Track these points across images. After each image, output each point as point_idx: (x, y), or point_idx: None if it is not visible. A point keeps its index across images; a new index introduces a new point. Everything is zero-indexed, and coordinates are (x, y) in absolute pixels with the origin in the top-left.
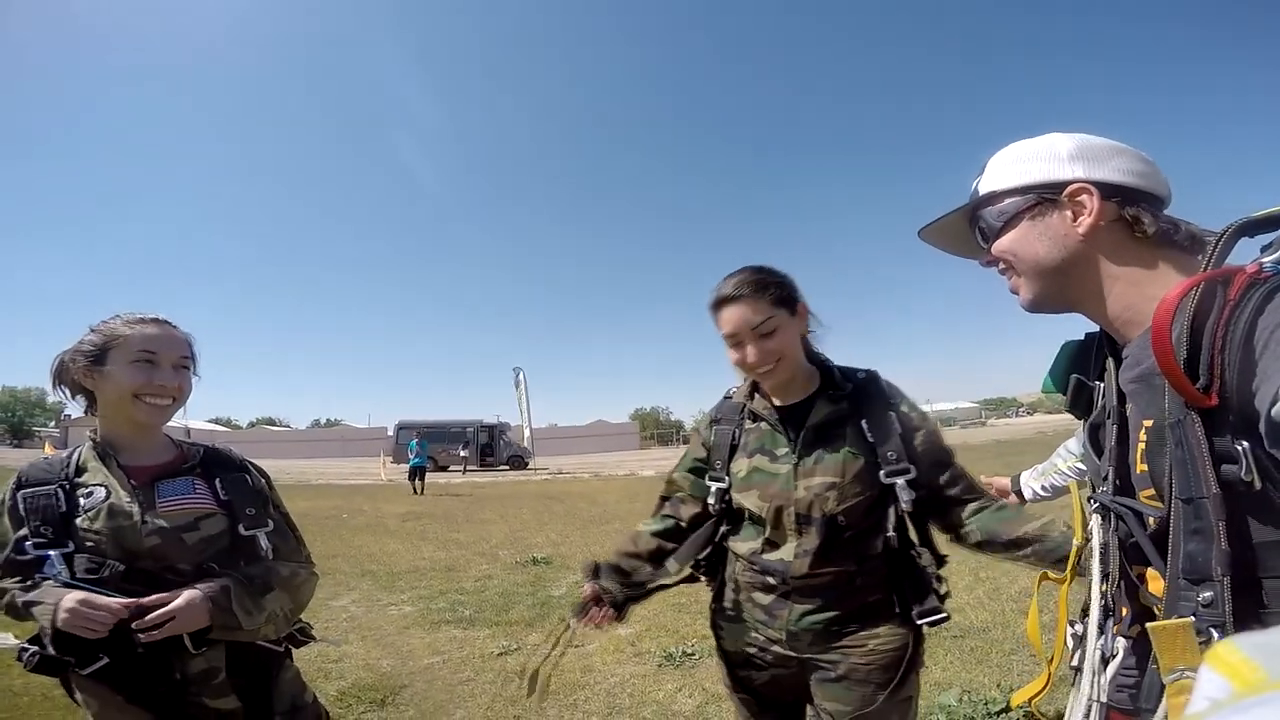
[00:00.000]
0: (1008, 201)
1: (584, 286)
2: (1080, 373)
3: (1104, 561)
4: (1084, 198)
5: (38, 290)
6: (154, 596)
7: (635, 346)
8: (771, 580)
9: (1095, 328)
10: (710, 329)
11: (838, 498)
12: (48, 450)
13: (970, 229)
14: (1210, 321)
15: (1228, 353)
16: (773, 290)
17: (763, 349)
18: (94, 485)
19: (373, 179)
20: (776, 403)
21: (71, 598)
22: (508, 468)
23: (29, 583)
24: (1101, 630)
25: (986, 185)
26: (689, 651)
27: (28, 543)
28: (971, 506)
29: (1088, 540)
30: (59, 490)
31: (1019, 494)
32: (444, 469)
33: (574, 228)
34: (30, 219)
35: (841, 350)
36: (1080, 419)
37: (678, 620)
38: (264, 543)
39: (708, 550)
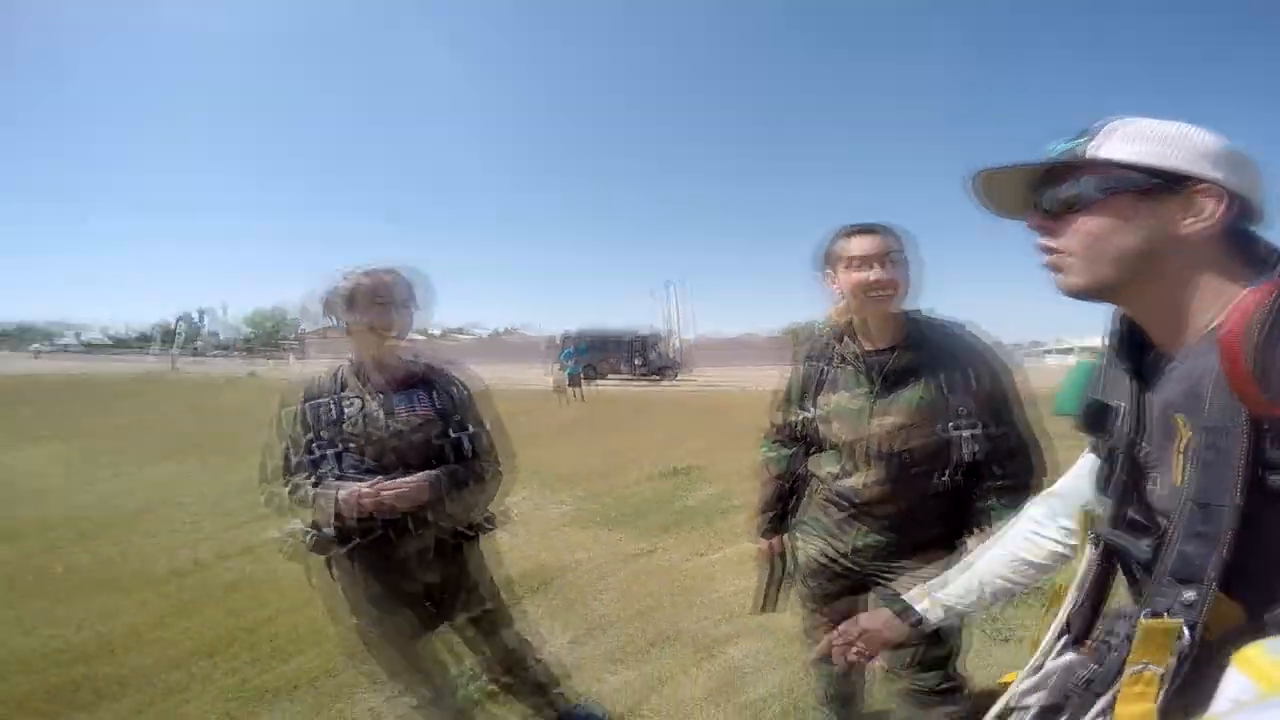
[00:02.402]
0: (1120, 175)
1: (743, 198)
2: (1093, 395)
3: (1079, 589)
4: (1208, 201)
5: (289, 220)
6: (393, 480)
7: (788, 259)
8: (844, 502)
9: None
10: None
11: (905, 438)
12: (291, 362)
13: (1033, 189)
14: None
15: None
16: (902, 237)
17: (891, 273)
18: (353, 397)
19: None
20: (867, 347)
21: (349, 488)
22: (659, 378)
23: (312, 478)
24: (1047, 652)
25: (1101, 151)
26: None
27: (314, 444)
28: (1001, 485)
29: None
30: (331, 402)
31: None
32: (603, 377)
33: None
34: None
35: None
36: (1092, 437)
37: None
38: (466, 445)
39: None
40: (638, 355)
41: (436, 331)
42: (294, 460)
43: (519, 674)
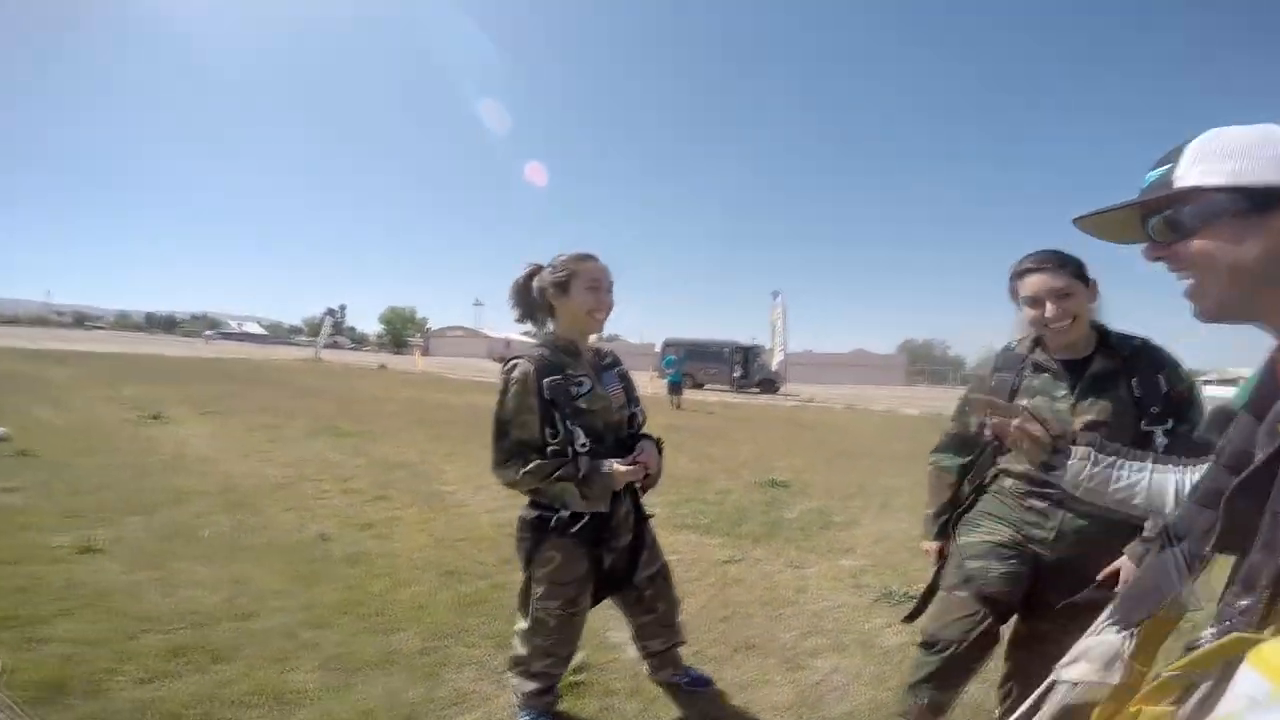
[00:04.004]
0: (1212, 200)
1: (855, 211)
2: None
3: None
4: None
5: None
6: (636, 455)
7: (903, 276)
8: (1050, 491)
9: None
10: (996, 265)
11: (1105, 435)
12: (418, 358)
13: (1142, 221)
14: None
15: None
16: (1070, 266)
17: (1061, 308)
18: (580, 376)
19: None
20: (1064, 357)
21: (614, 463)
22: (758, 390)
23: (557, 452)
24: (1095, 630)
25: (1186, 179)
26: (912, 594)
27: (563, 420)
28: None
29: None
30: (563, 380)
31: None
32: (700, 386)
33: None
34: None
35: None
36: (1210, 447)
37: (910, 562)
38: (640, 418)
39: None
40: (738, 366)
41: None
42: (543, 434)
43: (674, 633)
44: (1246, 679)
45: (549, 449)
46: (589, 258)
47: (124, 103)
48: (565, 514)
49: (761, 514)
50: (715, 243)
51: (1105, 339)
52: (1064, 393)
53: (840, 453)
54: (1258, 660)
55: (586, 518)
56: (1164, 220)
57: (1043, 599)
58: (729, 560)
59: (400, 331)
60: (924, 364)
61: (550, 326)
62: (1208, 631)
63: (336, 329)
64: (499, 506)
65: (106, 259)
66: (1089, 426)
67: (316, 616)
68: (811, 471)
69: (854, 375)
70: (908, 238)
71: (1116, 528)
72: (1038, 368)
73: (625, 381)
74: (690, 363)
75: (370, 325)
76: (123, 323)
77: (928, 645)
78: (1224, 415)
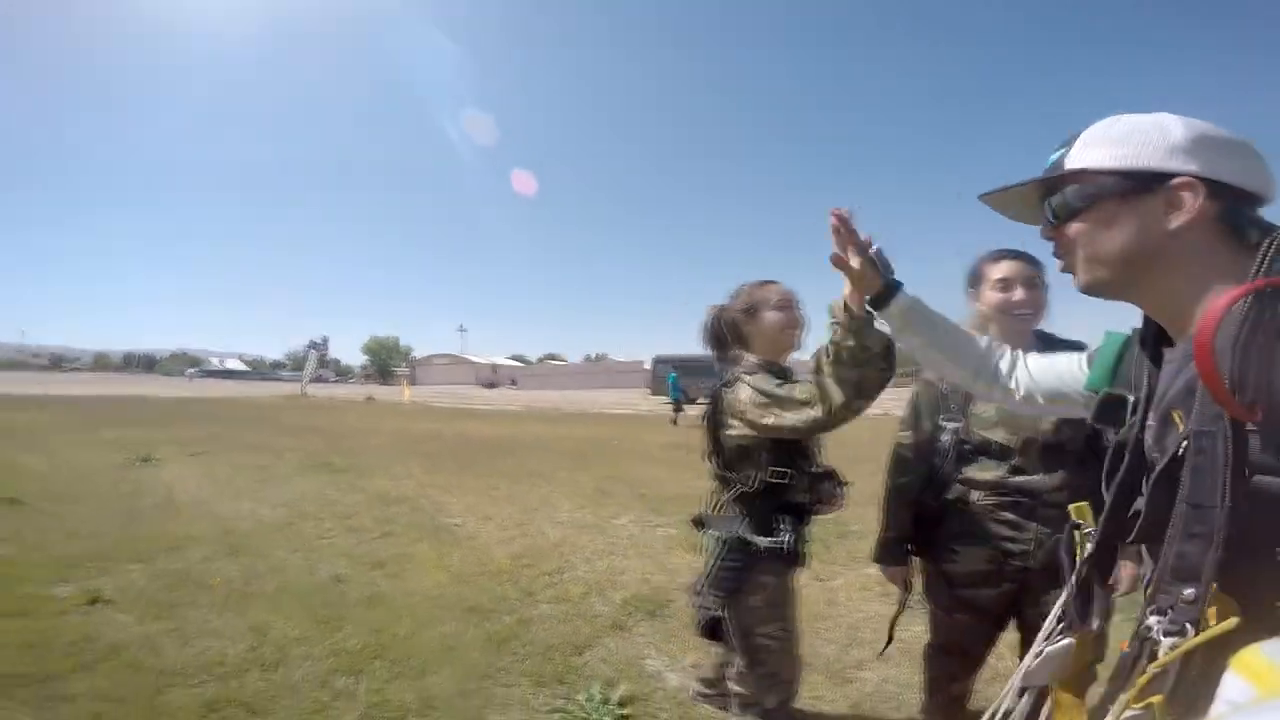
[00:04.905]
0: (1097, 181)
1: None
2: (1123, 371)
3: (1077, 577)
4: (1186, 194)
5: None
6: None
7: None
8: (1020, 499)
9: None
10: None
11: (1073, 430)
12: (405, 389)
13: (1040, 200)
14: (1259, 335)
15: (1276, 367)
16: (1040, 265)
17: (1031, 295)
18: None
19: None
20: None
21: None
22: None
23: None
24: (1046, 637)
25: (1076, 161)
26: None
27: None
28: None
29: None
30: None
31: None
32: (693, 401)
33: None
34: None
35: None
36: (1104, 429)
37: None
38: None
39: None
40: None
41: (532, 358)
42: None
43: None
44: (1231, 684)
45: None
46: (771, 282)
47: (101, 131)
48: (787, 539)
49: None
50: (695, 255)
51: (1050, 344)
52: None
53: (843, 458)
54: (1240, 666)
55: (793, 540)
56: (1054, 201)
57: (1036, 606)
58: None
59: (385, 361)
60: (907, 364)
61: (751, 356)
62: (1153, 620)
63: (322, 362)
64: (509, 537)
65: (82, 297)
66: (1058, 426)
67: (346, 663)
68: None
69: None
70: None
71: None
72: None
73: None
74: (683, 378)
75: (354, 356)
76: (102, 363)
77: (936, 652)
78: (1114, 402)
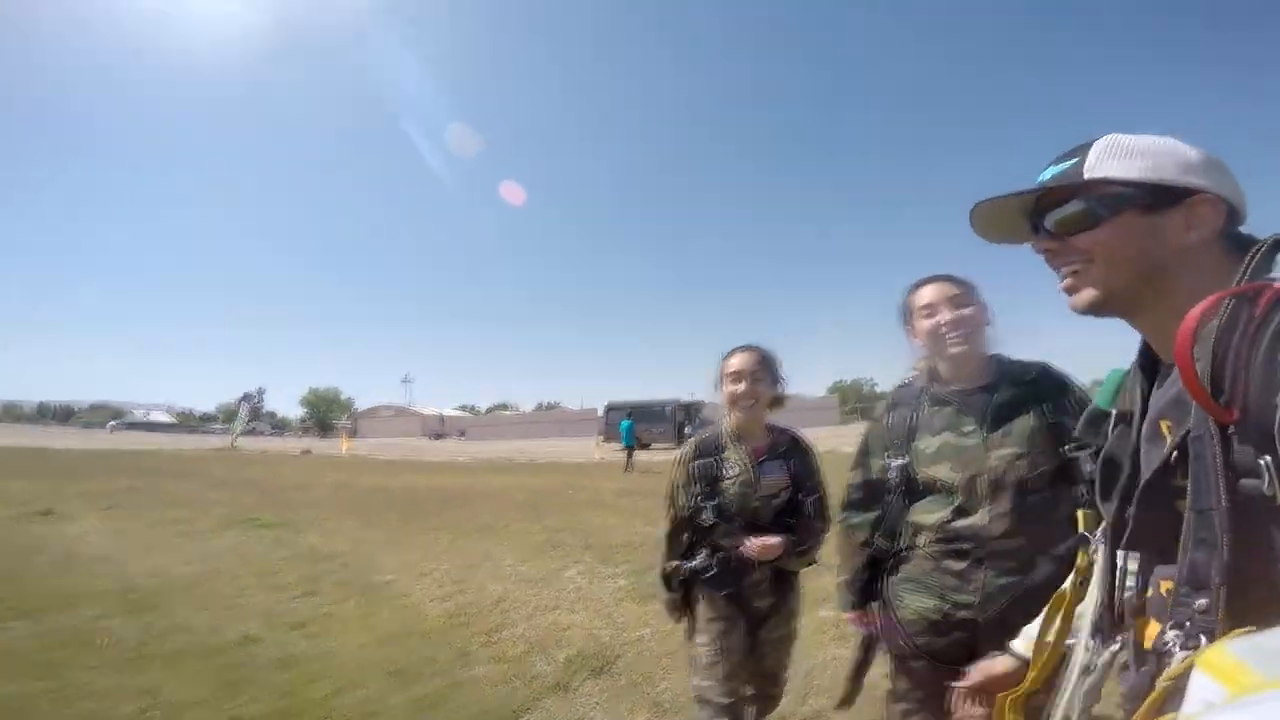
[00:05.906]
0: (1121, 192)
1: (776, 263)
2: (1120, 396)
3: (1101, 586)
4: (1205, 209)
5: (326, 309)
6: (765, 539)
7: (830, 316)
8: (964, 546)
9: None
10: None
11: (1028, 465)
12: (344, 441)
13: (1035, 213)
14: (1235, 337)
15: (1251, 369)
16: (966, 283)
17: (959, 316)
18: (733, 460)
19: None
20: (956, 388)
21: (757, 539)
22: None
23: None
24: (1087, 648)
25: (1097, 171)
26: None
27: (698, 498)
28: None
29: (1091, 563)
30: (715, 460)
31: None
32: (646, 446)
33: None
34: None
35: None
36: (1085, 448)
37: None
38: (808, 508)
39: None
40: (685, 423)
41: (481, 408)
42: (683, 507)
43: (769, 700)
44: (1200, 684)
45: (689, 515)
46: (733, 352)
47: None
48: (697, 563)
49: None
50: (641, 302)
51: (1003, 365)
52: (972, 427)
53: None
54: (1206, 665)
55: (715, 568)
56: (1067, 211)
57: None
58: None
59: (325, 414)
60: (854, 402)
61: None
62: (1170, 635)
63: (255, 414)
64: (446, 594)
65: None
66: (1010, 458)
67: None
68: None
69: (792, 419)
70: (825, 283)
71: (1050, 582)
72: (936, 400)
73: (800, 469)
74: (636, 424)
75: (292, 409)
76: (12, 413)
77: (897, 699)
78: (1098, 417)
